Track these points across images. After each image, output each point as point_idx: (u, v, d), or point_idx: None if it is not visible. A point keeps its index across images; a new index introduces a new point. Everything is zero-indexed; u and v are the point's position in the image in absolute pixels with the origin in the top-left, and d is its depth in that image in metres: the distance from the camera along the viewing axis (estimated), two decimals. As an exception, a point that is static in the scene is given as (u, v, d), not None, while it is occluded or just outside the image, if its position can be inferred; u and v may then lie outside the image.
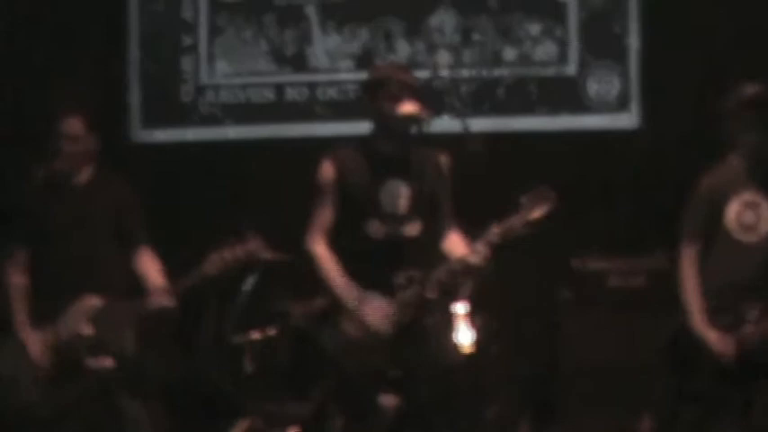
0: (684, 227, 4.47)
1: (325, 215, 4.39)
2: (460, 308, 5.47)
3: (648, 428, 5.06)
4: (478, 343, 5.47)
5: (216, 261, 4.53)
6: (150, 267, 4.74)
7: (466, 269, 4.31)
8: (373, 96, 4.39)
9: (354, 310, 4.28)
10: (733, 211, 4.41)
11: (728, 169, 4.46)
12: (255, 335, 5.68)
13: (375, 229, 4.35)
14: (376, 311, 4.28)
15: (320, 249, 4.37)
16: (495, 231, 4.26)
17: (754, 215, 4.42)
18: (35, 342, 4.61)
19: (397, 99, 4.30)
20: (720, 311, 4.37)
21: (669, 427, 4.54)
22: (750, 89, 4.46)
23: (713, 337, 4.33)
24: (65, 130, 4.68)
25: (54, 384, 4.58)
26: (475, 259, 4.26)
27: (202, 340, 5.90)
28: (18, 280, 4.71)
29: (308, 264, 4.38)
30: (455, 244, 4.43)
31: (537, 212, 4.27)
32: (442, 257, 4.39)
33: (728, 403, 4.37)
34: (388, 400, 4.42)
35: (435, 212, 4.44)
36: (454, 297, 5.41)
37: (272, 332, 5.71)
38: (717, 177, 4.46)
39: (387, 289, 4.32)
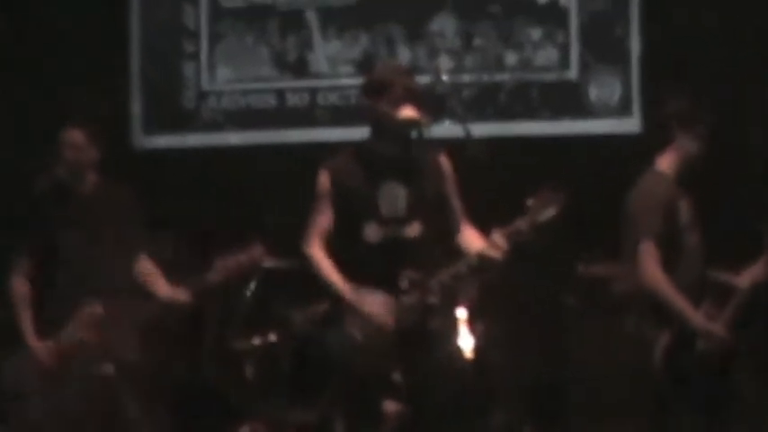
0: (649, 230, 4.54)
1: (322, 220, 4.38)
2: (461, 313, 5.45)
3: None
4: (479, 349, 5.46)
5: (220, 269, 4.55)
6: (153, 275, 4.76)
7: (483, 263, 4.25)
8: (374, 99, 4.38)
9: (355, 305, 4.25)
10: (683, 216, 4.61)
11: (667, 178, 4.67)
12: (257, 340, 5.68)
13: (374, 232, 4.33)
14: (377, 304, 4.26)
15: (317, 252, 4.36)
16: (501, 234, 4.22)
17: (691, 217, 4.64)
18: (41, 350, 4.63)
19: (398, 103, 4.28)
20: None
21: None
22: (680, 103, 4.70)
23: (718, 328, 4.45)
24: (66, 140, 4.73)
25: (58, 391, 4.58)
26: (493, 252, 4.20)
27: (205, 346, 5.89)
28: (24, 289, 4.74)
29: (307, 267, 4.38)
30: (471, 238, 4.40)
31: (545, 215, 4.23)
32: (454, 254, 4.35)
33: (727, 404, 4.41)
34: (391, 407, 4.42)
35: (439, 213, 4.42)
36: (457, 301, 5.40)
37: (273, 338, 5.70)
38: (665, 184, 4.65)
39: (388, 292, 4.31)
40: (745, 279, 4.54)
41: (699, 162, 4.69)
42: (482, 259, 4.23)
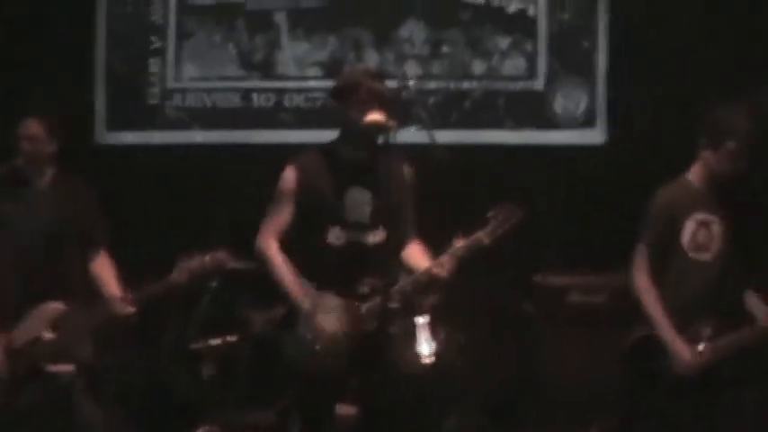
0: (643, 238, 4.51)
1: (280, 219, 4.37)
2: (422, 318, 5.46)
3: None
4: (440, 354, 5.47)
5: (184, 270, 4.53)
6: (107, 273, 4.73)
7: (430, 281, 4.31)
8: (341, 102, 4.38)
9: (307, 312, 4.24)
10: (689, 229, 4.48)
11: (684, 188, 4.54)
12: (215, 341, 5.65)
13: (337, 236, 4.33)
14: (329, 313, 4.25)
15: (272, 251, 4.35)
16: (460, 245, 4.26)
17: (708, 234, 4.49)
18: None
19: (365, 106, 4.28)
20: (678, 329, 4.42)
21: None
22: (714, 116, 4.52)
23: (682, 348, 4.37)
24: (24, 131, 4.67)
25: (12, 389, 4.54)
26: (439, 271, 4.26)
27: (164, 346, 5.86)
28: None
29: (260, 265, 4.36)
30: (417, 254, 4.43)
31: (503, 228, 4.29)
32: (404, 267, 4.38)
33: (684, 417, 4.40)
34: (346, 410, 4.41)
35: (398, 222, 4.42)
36: (416, 308, 5.40)
37: (232, 339, 5.67)
38: (674, 195, 4.54)
39: (349, 297, 4.31)
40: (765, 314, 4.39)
41: (730, 179, 4.47)
42: (428, 277, 4.28)
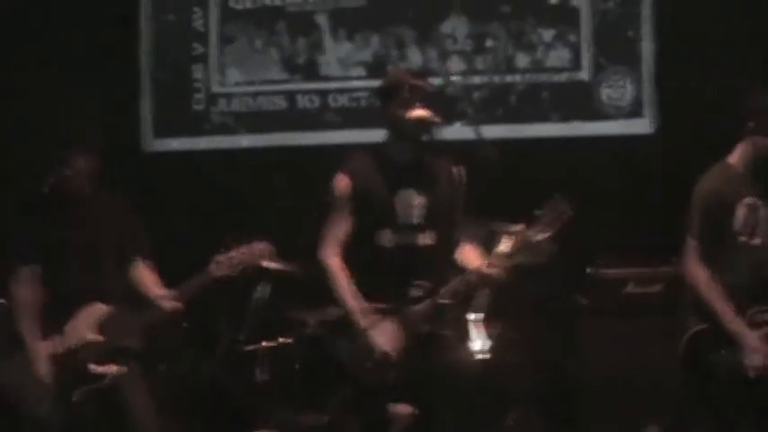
0: (693, 228, 4.47)
1: (340, 227, 4.36)
2: (475, 316, 5.44)
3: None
4: (494, 351, 5.44)
5: (223, 263, 4.52)
6: (149, 280, 4.75)
7: (482, 280, 4.29)
8: (386, 102, 4.37)
9: (364, 334, 4.24)
10: (741, 214, 4.43)
11: (730, 173, 4.50)
12: (269, 343, 5.66)
13: (388, 238, 4.32)
14: (385, 337, 4.24)
15: (335, 262, 4.35)
16: (510, 243, 4.23)
17: (755, 218, 4.45)
18: (42, 352, 4.61)
19: (409, 104, 4.28)
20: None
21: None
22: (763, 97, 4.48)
23: (751, 337, 4.32)
24: (69, 162, 4.69)
25: (61, 392, 4.57)
26: (491, 271, 4.23)
27: (217, 348, 5.88)
28: (26, 294, 4.72)
29: (322, 275, 4.36)
30: (469, 254, 4.40)
31: (553, 225, 4.24)
32: (456, 268, 4.36)
33: (744, 410, 4.34)
34: (402, 410, 4.40)
35: (449, 223, 4.40)
36: (469, 306, 5.39)
37: (285, 340, 5.68)
38: (721, 181, 4.49)
39: (401, 299, 4.30)
40: None
41: None
42: (480, 276, 4.26)
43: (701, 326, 4.40)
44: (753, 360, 4.30)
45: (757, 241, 4.45)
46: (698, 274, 4.42)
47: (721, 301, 4.36)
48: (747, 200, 4.45)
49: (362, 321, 4.26)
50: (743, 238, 4.44)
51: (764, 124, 4.42)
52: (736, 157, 4.53)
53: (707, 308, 4.37)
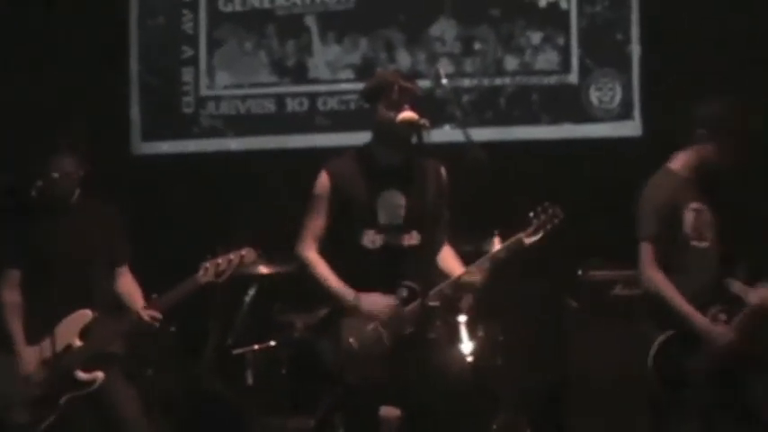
0: (644, 233, 4.50)
1: (317, 223, 4.36)
2: (461, 318, 5.44)
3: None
4: (482, 353, 5.44)
5: (209, 270, 4.54)
6: (131, 289, 4.78)
7: (464, 287, 4.32)
8: (373, 103, 4.36)
9: (354, 305, 4.24)
10: (689, 218, 4.51)
11: (676, 179, 4.57)
12: (256, 346, 5.65)
13: (372, 239, 4.31)
14: (376, 302, 4.24)
15: (312, 255, 4.34)
16: (499, 247, 4.25)
17: (703, 222, 4.52)
18: (28, 357, 4.61)
19: (397, 106, 4.26)
20: None
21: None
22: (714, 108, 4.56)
23: (716, 330, 4.38)
24: (56, 166, 4.69)
25: (48, 398, 4.57)
26: (472, 279, 4.25)
27: (205, 352, 5.87)
28: (12, 299, 4.73)
29: (302, 270, 4.35)
30: (449, 260, 4.41)
31: (545, 229, 4.29)
32: (439, 271, 4.36)
33: (728, 406, 4.39)
34: (390, 413, 4.39)
35: (433, 224, 4.39)
36: (456, 309, 5.38)
37: (273, 344, 5.68)
38: (669, 187, 4.55)
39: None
40: (754, 296, 4.43)
41: (723, 168, 4.54)
42: (461, 283, 4.28)
43: (668, 333, 4.43)
44: (721, 353, 4.36)
45: (705, 244, 4.51)
46: (655, 276, 4.46)
47: (683, 301, 4.41)
48: (693, 204, 4.51)
49: (349, 296, 4.25)
50: (693, 242, 4.50)
51: (715, 134, 4.49)
52: (678, 163, 4.60)
53: (668, 309, 4.41)
